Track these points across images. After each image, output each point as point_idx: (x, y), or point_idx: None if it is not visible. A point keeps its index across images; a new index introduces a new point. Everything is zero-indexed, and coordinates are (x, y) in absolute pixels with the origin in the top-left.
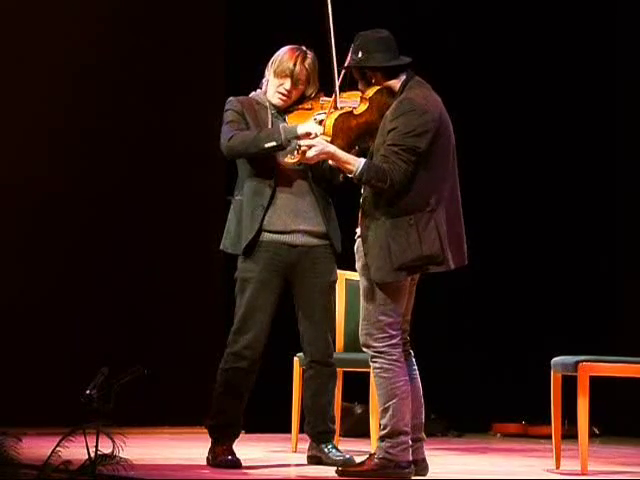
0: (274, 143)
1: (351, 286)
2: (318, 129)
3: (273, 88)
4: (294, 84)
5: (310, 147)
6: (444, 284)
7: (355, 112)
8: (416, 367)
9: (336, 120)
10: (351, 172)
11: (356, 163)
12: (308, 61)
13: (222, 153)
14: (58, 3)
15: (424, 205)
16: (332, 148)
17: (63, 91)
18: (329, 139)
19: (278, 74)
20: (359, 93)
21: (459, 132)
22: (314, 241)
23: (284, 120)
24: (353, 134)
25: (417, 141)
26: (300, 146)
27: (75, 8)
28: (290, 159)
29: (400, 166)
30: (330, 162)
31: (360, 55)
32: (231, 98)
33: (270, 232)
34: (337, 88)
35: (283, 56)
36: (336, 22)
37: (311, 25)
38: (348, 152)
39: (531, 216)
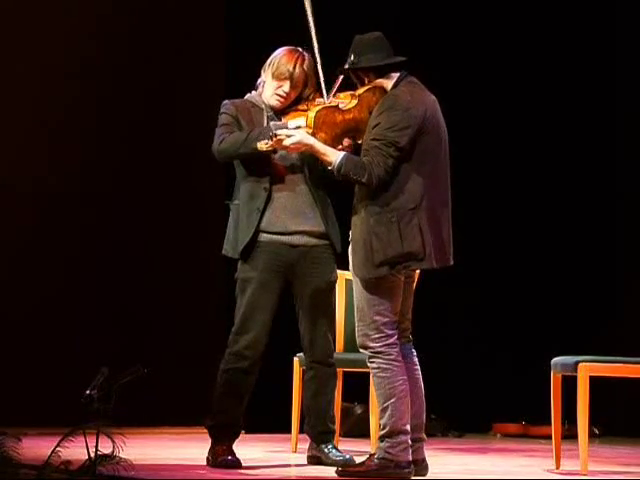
0: (266, 141)
1: (350, 286)
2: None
3: (271, 90)
4: (293, 86)
5: (289, 136)
6: (444, 284)
7: (342, 107)
8: (419, 367)
9: (318, 112)
10: (330, 164)
11: (335, 156)
12: (306, 63)
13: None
14: (58, 2)
15: (407, 202)
16: (311, 140)
17: (62, 91)
18: (310, 131)
19: (277, 76)
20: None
21: (458, 132)
22: (314, 241)
23: (274, 135)
24: (339, 129)
25: (398, 136)
26: (275, 133)
27: (75, 8)
28: (264, 144)
29: (379, 160)
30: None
31: (353, 58)
32: (226, 101)
33: (270, 233)
34: (322, 84)
35: (281, 58)
36: (333, 24)
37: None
38: (333, 146)
39: (531, 216)
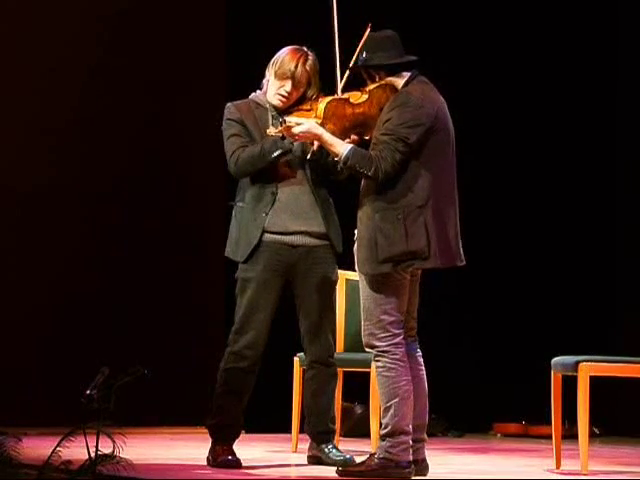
0: (281, 151)
1: (351, 286)
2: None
3: (274, 89)
4: (295, 86)
5: (298, 124)
6: (445, 283)
7: (352, 101)
8: (423, 368)
9: (329, 104)
10: (337, 155)
11: (342, 147)
12: (309, 62)
13: (229, 167)
14: (59, 2)
15: (414, 200)
16: (320, 130)
17: (62, 92)
18: (320, 121)
19: (279, 76)
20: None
21: (461, 133)
22: (315, 241)
23: (284, 121)
24: (348, 122)
25: (408, 133)
26: (285, 120)
27: (76, 8)
28: (272, 130)
29: (387, 155)
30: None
31: (365, 55)
32: (229, 105)
33: (271, 233)
34: (339, 80)
35: (284, 57)
36: (343, 21)
37: (311, 24)
38: (341, 139)
39: (531, 216)
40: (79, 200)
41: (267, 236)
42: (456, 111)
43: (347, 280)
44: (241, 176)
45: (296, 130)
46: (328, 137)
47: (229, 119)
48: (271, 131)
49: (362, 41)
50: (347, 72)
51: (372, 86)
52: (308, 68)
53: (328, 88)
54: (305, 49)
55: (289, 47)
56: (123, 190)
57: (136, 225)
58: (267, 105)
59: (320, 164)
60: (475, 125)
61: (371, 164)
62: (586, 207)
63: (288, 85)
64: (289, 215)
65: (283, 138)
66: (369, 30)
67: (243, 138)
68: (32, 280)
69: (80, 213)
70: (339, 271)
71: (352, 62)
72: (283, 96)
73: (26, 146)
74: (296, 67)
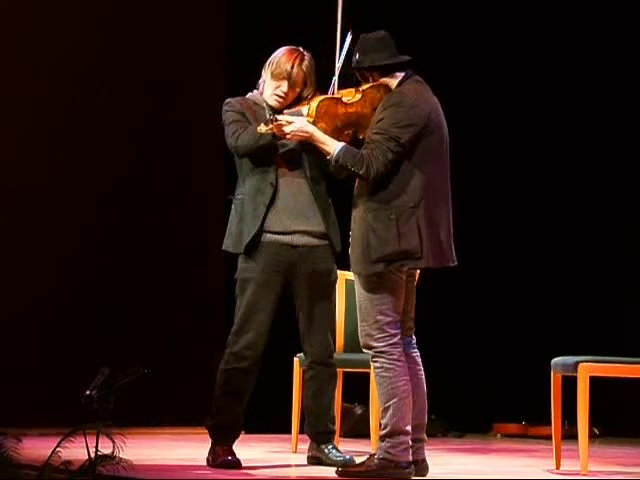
0: (267, 125)
1: (351, 286)
2: None
3: (270, 90)
4: (291, 86)
5: (289, 123)
6: (444, 284)
7: (344, 100)
8: (422, 368)
9: (321, 102)
10: (328, 154)
11: (334, 145)
12: (305, 63)
13: (230, 152)
14: (59, 2)
15: (407, 200)
16: (311, 128)
17: (62, 91)
18: (311, 120)
19: (275, 76)
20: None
21: (458, 133)
22: (314, 241)
23: (275, 119)
24: (340, 121)
25: (400, 132)
26: (276, 118)
27: (75, 7)
28: (263, 128)
29: (378, 154)
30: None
31: (358, 56)
32: (229, 99)
33: (270, 233)
34: (335, 79)
35: (280, 58)
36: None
37: (311, 25)
38: (333, 138)
39: (531, 216)
40: (78, 199)
41: (267, 236)
42: (451, 111)
43: (346, 280)
44: (242, 152)
45: (287, 129)
46: (319, 136)
47: (230, 110)
48: (262, 129)
49: (346, 43)
50: (337, 74)
51: (366, 86)
52: (304, 68)
53: (324, 88)
54: (301, 49)
55: (285, 47)
56: (123, 189)
57: (136, 225)
58: (264, 104)
59: (320, 163)
60: (470, 125)
61: (362, 163)
62: (586, 207)
63: (284, 85)
64: (288, 215)
65: (274, 136)
66: (350, 33)
67: (245, 124)
68: (32, 280)
69: (79, 212)
70: (338, 271)
71: (339, 63)
72: (280, 96)
73: (25, 146)
74: (292, 68)
